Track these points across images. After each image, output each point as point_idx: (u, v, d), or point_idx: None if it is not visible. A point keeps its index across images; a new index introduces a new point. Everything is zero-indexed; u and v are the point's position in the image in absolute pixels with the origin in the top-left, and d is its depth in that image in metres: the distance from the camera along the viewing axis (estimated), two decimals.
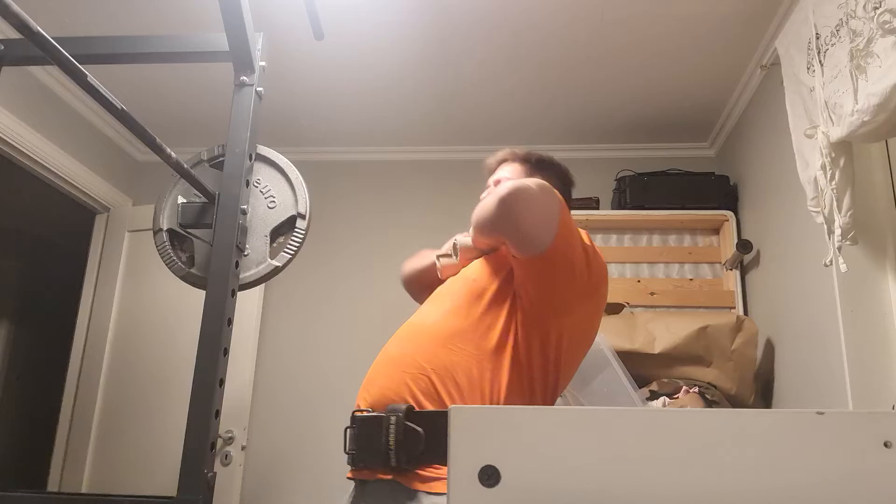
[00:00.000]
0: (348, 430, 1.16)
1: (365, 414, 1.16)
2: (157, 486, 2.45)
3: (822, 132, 1.59)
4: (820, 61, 1.62)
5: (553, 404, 1.25)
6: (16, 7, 0.77)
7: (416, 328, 1.29)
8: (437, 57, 2.43)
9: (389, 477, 1.12)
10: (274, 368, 2.94)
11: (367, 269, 3.03)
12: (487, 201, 1.20)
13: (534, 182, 1.20)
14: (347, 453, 1.16)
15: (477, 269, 1.31)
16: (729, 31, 2.22)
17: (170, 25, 2.24)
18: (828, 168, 1.58)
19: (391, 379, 1.19)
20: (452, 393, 1.14)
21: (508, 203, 1.15)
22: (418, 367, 1.18)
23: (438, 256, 1.42)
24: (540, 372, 1.21)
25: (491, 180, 1.47)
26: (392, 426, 1.08)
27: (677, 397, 2.10)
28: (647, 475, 0.60)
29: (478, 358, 1.18)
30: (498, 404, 1.14)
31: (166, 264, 1.38)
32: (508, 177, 1.41)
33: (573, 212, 1.36)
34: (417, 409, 1.12)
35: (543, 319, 1.20)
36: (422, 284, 1.49)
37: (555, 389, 1.24)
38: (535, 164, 1.46)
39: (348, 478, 1.23)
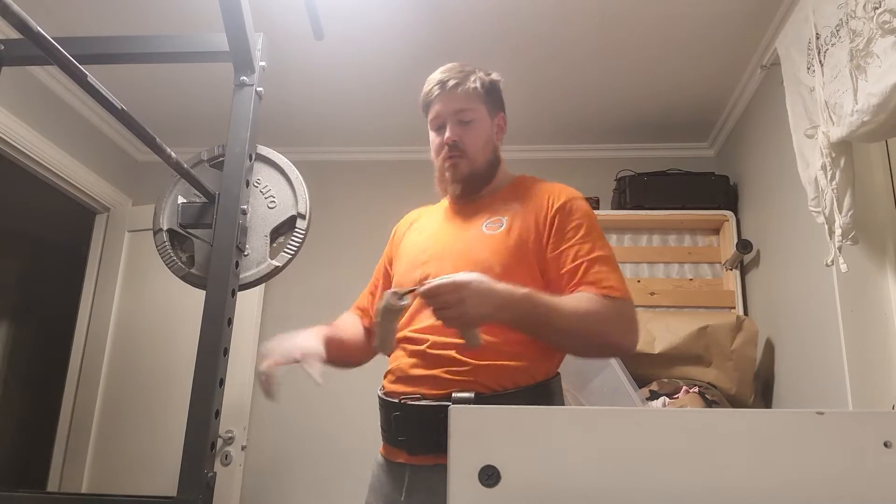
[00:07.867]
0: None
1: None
2: (157, 486, 2.44)
3: (823, 132, 1.59)
4: (820, 61, 1.62)
5: None
6: (16, 7, 0.77)
7: None
8: (435, 56, 2.40)
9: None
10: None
11: (368, 269, 3.01)
12: (623, 340, 1.20)
13: (632, 308, 1.22)
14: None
15: None
16: (729, 30, 2.22)
17: (170, 25, 2.24)
18: (828, 168, 1.58)
19: None
20: None
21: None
22: None
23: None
24: None
25: (449, 120, 1.44)
26: None
27: (677, 397, 2.10)
28: (646, 475, 0.60)
29: None
30: None
31: (166, 264, 1.38)
32: (474, 127, 1.43)
33: None
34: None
35: None
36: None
37: None
38: (494, 101, 1.49)
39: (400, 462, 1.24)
